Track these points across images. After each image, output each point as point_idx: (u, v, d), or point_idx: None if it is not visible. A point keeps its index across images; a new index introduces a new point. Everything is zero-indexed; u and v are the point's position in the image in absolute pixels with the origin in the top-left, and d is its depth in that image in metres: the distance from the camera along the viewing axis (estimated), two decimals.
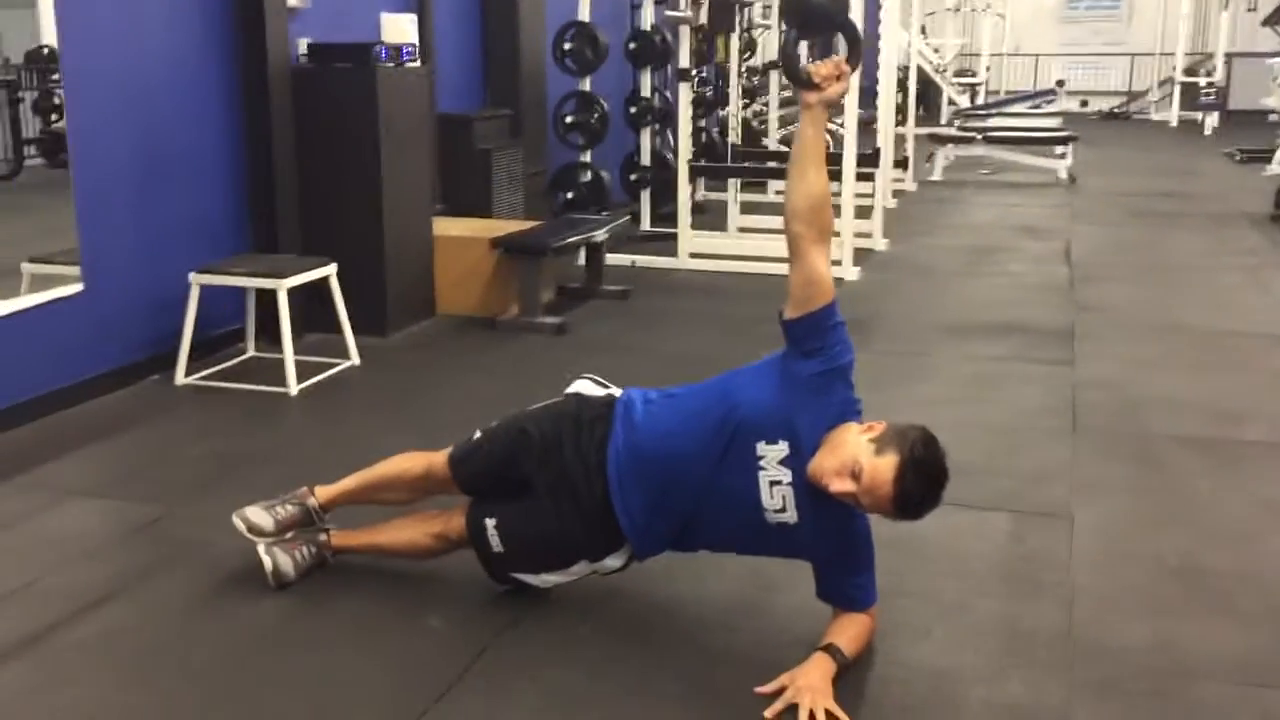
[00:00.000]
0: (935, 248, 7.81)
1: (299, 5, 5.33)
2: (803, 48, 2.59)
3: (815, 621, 2.59)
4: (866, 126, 8.37)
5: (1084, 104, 19.05)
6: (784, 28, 2.77)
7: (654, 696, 2.45)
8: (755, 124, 10.38)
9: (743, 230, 7.88)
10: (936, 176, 11.31)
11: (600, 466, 2.59)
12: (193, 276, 4.56)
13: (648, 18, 8.09)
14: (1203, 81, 16.95)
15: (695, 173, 7.53)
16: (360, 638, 2.68)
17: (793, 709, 2.34)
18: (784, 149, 10.15)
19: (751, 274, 6.54)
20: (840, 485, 2.32)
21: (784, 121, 9.81)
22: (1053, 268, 7.07)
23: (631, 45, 8.18)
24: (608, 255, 6.58)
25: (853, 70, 2.44)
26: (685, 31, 7.16)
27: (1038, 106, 16.16)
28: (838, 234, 6.69)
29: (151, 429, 4.15)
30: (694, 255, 7.10)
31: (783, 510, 2.46)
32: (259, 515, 2.86)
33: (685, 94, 7.14)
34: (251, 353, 4.94)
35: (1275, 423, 4.25)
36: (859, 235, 7.16)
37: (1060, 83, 16.96)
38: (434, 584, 2.87)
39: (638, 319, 5.86)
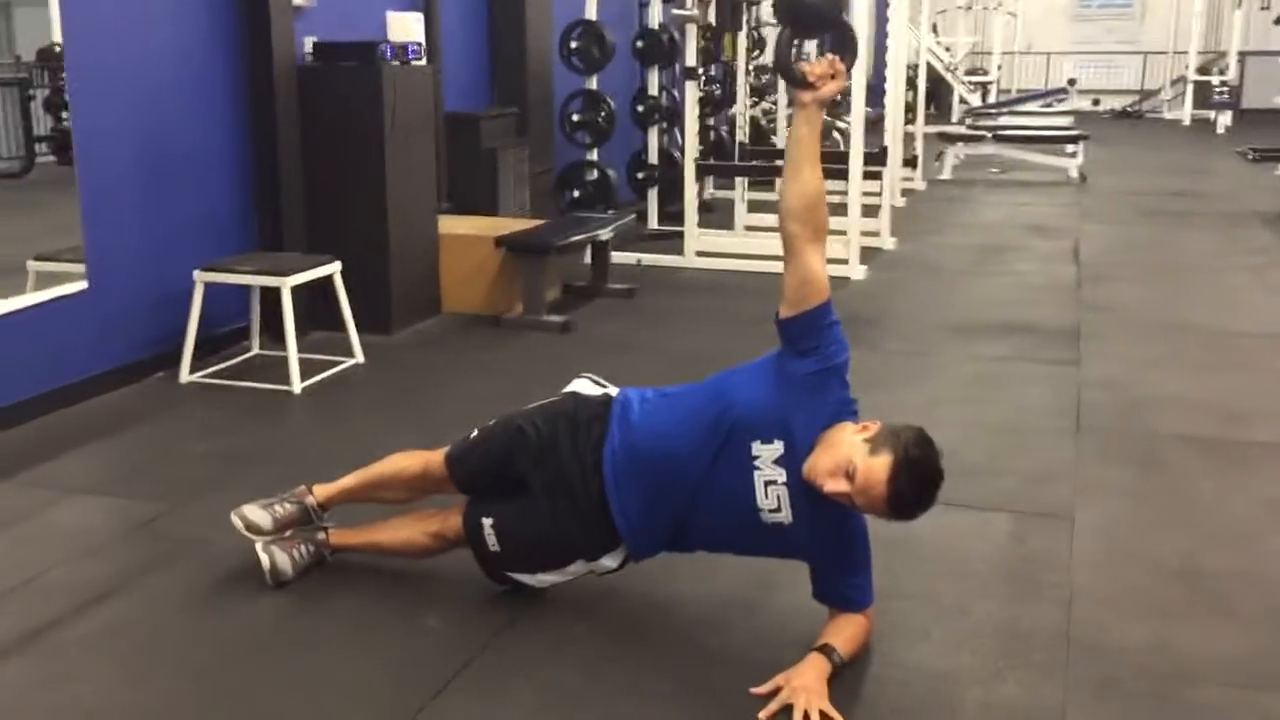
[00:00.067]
0: (943, 246, 7.79)
1: (305, 4, 5.34)
2: (811, 46, 2.59)
3: (812, 621, 2.58)
4: (874, 125, 8.37)
5: (1096, 102, 18.97)
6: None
7: (649, 696, 2.45)
8: (764, 122, 10.37)
9: (750, 229, 7.88)
10: (946, 175, 11.28)
11: (596, 466, 2.59)
12: (197, 274, 4.58)
13: (655, 16, 8.09)
14: (1216, 80, 16.87)
15: (702, 171, 7.53)
16: (358, 636, 2.69)
17: (787, 710, 2.33)
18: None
19: (758, 273, 6.53)
20: (834, 485, 2.31)
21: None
22: (1061, 267, 7.04)
23: (639, 44, 8.18)
24: (614, 254, 6.58)
25: (847, 69, 2.44)
26: (692, 30, 7.16)
27: (1049, 105, 16.11)
28: (844, 233, 6.69)
29: (155, 426, 4.16)
30: (701, 254, 7.10)
31: (778, 510, 2.46)
32: (257, 514, 2.87)
33: (692, 92, 7.14)
34: (256, 351, 4.96)
35: None
36: (866, 234, 7.14)
37: (1072, 81, 16.90)
38: (432, 583, 2.87)
39: (643, 317, 5.86)
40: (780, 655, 2.50)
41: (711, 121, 8.70)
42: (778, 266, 2.57)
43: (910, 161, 10.21)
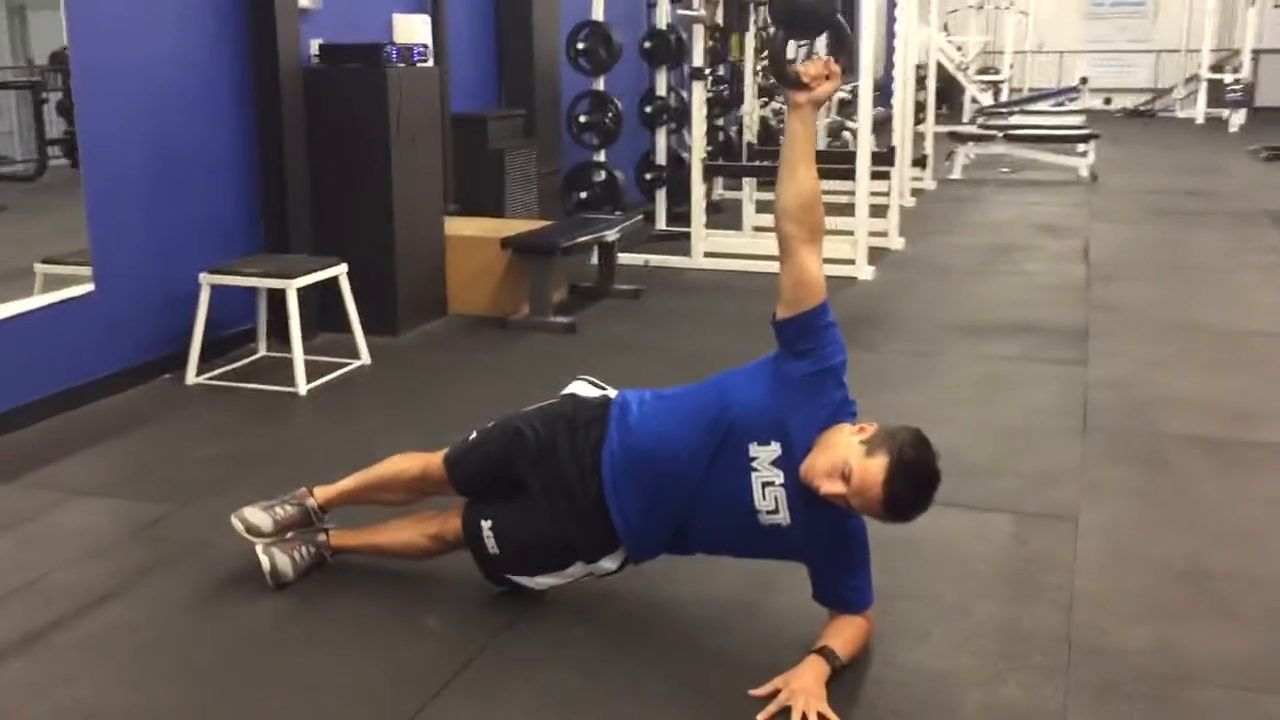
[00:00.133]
0: (952, 247, 7.77)
1: (311, 6, 5.35)
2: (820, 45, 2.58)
3: (812, 623, 2.58)
4: (884, 125, 8.35)
5: (1108, 101, 18.89)
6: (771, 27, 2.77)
7: (647, 698, 2.44)
8: (773, 122, 10.34)
9: (758, 229, 7.85)
10: (956, 175, 11.24)
11: (595, 468, 2.59)
12: (203, 277, 4.59)
13: (663, 17, 8.09)
14: (1229, 78, 16.78)
15: (710, 172, 7.52)
16: (358, 637, 2.69)
17: (786, 712, 2.33)
18: None
19: (766, 273, 6.45)
20: (830, 487, 2.31)
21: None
22: (1070, 267, 7.02)
23: (647, 44, 8.17)
24: (623, 255, 6.59)
25: (842, 69, 2.43)
26: (699, 30, 7.15)
27: (1061, 104, 16.05)
28: (851, 233, 6.68)
29: (161, 428, 4.18)
30: (708, 254, 7.09)
31: (775, 512, 2.45)
32: (257, 516, 2.87)
33: (699, 93, 7.13)
34: (263, 352, 4.97)
35: None
36: (874, 234, 7.13)
37: (1084, 80, 16.84)
38: (432, 585, 2.88)
39: (649, 318, 5.86)
40: (780, 657, 2.50)
41: (720, 122, 8.69)
42: None
43: (920, 161, 10.18)
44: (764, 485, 2.44)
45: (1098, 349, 5.11)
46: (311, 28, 5.35)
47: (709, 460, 2.48)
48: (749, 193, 8.07)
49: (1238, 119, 16.07)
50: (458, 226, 5.93)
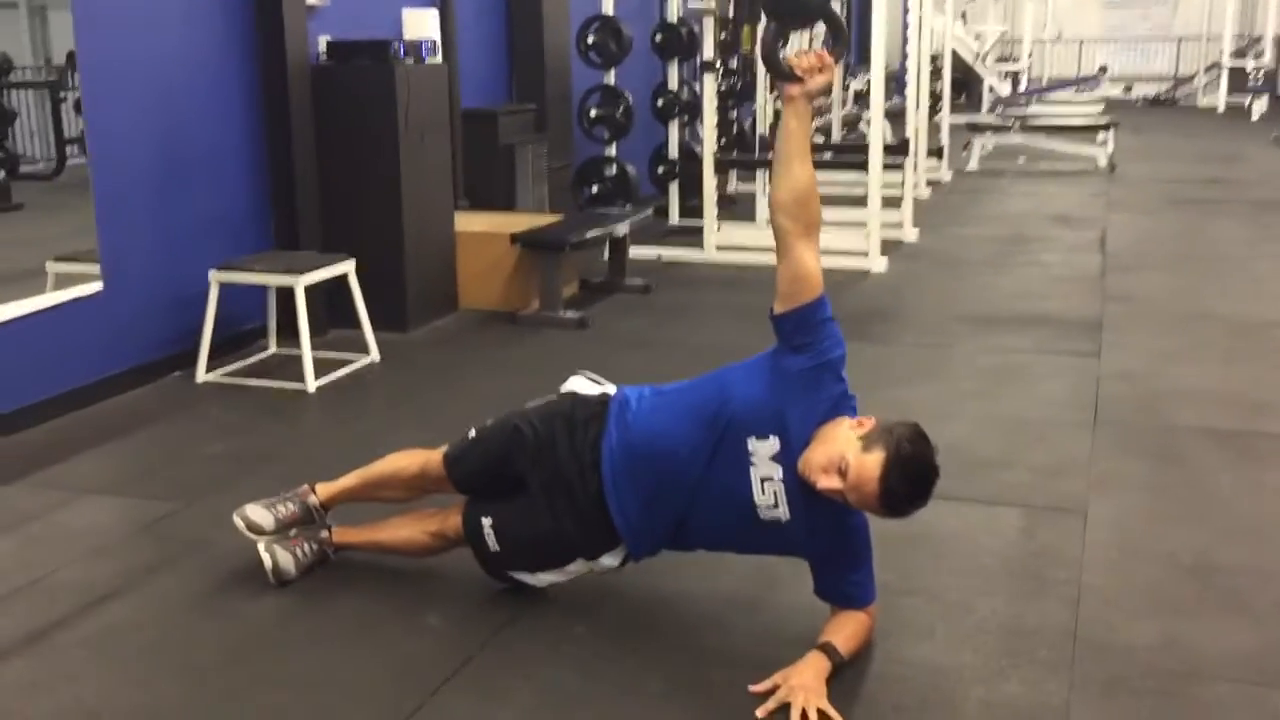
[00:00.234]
0: (966, 238, 7.71)
1: (319, 3, 5.35)
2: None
3: (814, 620, 2.55)
4: (899, 117, 8.30)
5: (1128, 90, 18.73)
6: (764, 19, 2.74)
7: (647, 695, 2.43)
8: None
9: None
10: (973, 166, 11.18)
11: (595, 465, 2.58)
12: (212, 274, 4.60)
13: (674, 10, 8.06)
14: (1250, 66, 16.62)
15: (722, 165, 7.49)
16: (359, 635, 2.68)
17: (785, 708, 2.31)
18: (816, 140, 10.08)
19: None
20: (827, 482, 2.28)
21: (815, 113, 9.72)
22: (1085, 257, 6.96)
23: (658, 38, 8.15)
24: (636, 249, 6.57)
25: (837, 61, 2.40)
26: (710, 23, 7.12)
27: (1080, 93, 15.94)
28: (863, 225, 6.64)
29: (170, 426, 4.19)
30: (721, 248, 7.06)
31: (775, 507, 2.43)
32: (258, 513, 2.88)
33: (710, 86, 7.10)
34: (273, 349, 4.98)
35: None
36: (888, 226, 7.08)
37: (1103, 69, 16.71)
38: (433, 582, 2.87)
39: (660, 313, 5.84)
40: (781, 654, 2.47)
41: (734, 115, 8.65)
42: None
43: (936, 152, 10.12)
44: (763, 480, 2.42)
45: (1111, 341, 5.06)
46: (319, 24, 5.35)
47: (708, 456, 2.46)
48: (762, 186, 8.03)
49: (1259, 107, 15.92)
50: (468, 222, 5.93)
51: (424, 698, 2.42)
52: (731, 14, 7.66)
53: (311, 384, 4.51)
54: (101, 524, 3.35)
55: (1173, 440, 3.88)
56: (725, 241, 7.09)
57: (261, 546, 2.85)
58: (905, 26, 8.79)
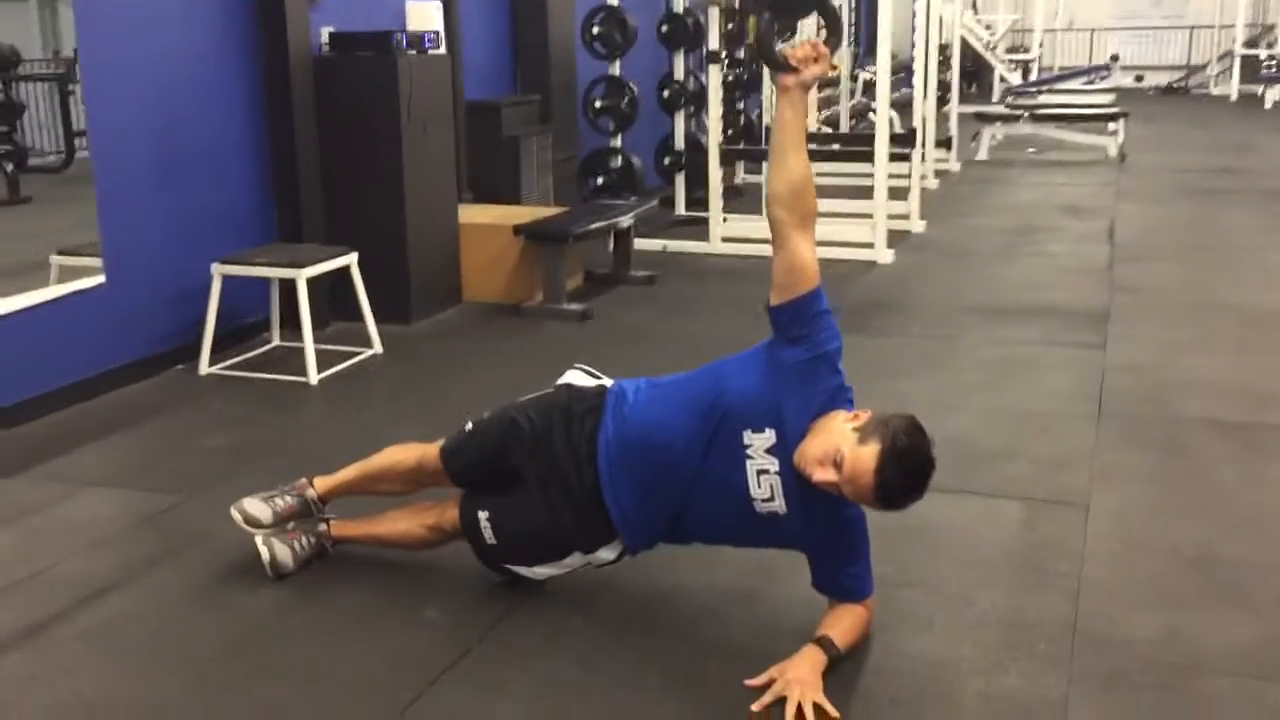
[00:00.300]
0: (974, 229, 7.68)
1: None
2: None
3: (811, 612, 2.55)
4: (906, 107, 8.26)
5: (1139, 79, 18.63)
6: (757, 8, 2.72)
7: (644, 688, 2.42)
8: None
9: None
10: (982, 156, 11.12)
11: (591, 458, 2.57)
12: (215, 267, 4.60)
13: (680, 0, 8.02)
14: (1263, 54, 16.50)
15: (728, 156, 7.46)
16: (357, 627, 2.69)
17: (781, 701, 2.30)
18: (824, 130, 10.04)
19: None
20: (822, 474, 2.27)
21: (823, 104, 9.69)
22: (1094, 248, 6.92)
23: (664, 28, 8.12)
24: (641, 240, 6.55)
25: (832, 51, 2.39)
26: (715, 13, 7.09)
27: (1091, 82, 15.86)
28: (869, 216, 6.62)
29: (173, 419, 4.20)
30: (726, 239, 7.04)
31: (771, 499, 2.42)
32: (256, 507, 2.87)
33: (715, 77, 7.07)
34: (276, 342, 4.98)
35: None
36: (895, 217, 7.05)
37: (1114, 57, 16.62)
38: (431, 575, 2.87)
39: (664, 304, 5.82)
40: (778, 647, 2.46)
41: (740, 106, 8.62)
42: None
43: (945, 143, 10.07)
44: (759, 473, 2.41)
45: (1118, 332, 5.03)
46: (322, 16, 5.34)
47: (704, 448, 2.45)
48: (767, 177, 8.00)
49: (1273, 95, 15.81)
50: (472, 214, 5.92)
51: (422, 689, 2.42)
52: (737, 4, 7.62)
53: (314, 377, 4.51)
54: (103, 516, 3.35)
55: (1177, 432, 3.85)
56: (731, 233, 7.06)
57: (259, 540, 2.85)
58: (915, 15, 8.75)
